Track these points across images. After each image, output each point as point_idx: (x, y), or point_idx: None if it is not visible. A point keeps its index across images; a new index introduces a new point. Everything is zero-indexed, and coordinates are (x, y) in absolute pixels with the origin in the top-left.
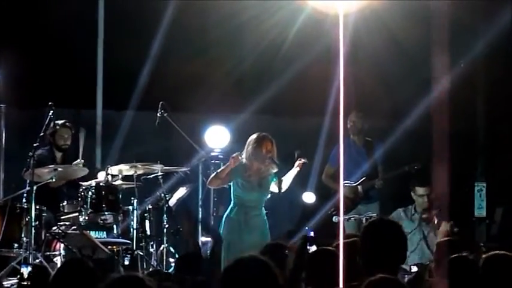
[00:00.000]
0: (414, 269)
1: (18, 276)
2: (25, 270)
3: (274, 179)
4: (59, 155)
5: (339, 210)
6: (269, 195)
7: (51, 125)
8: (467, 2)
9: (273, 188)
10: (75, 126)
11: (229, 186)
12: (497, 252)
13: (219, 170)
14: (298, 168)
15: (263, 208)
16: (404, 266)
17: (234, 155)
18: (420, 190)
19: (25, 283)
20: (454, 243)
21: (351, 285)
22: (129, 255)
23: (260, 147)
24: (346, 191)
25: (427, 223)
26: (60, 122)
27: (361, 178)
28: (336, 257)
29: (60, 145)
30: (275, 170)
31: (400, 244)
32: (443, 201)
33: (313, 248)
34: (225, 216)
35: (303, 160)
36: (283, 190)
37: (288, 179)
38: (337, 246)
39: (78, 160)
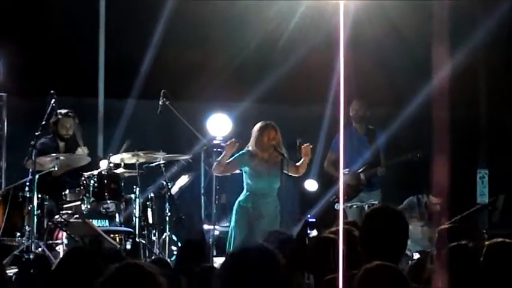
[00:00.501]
0: (416, 255)
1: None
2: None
3: (285, 169)
4: (61, 144)
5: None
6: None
7: (54, 114)
8: None
9: (292, 170)
10: (78, 115)
11: (241, 174)
12: (499, 239)
13: (219, 157)
14: (306, 157)
15: (275, 196)
16: (407, 253)
17: (229, 142)
18: (433, 199)
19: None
20: (456, 230)
21: (351, 273)
22: (130, 240)
23: (262, 136)
24: (348, 178)
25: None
26: (63, 111)
27: (363, 166)
28: (336, 245)
29: (63, 134)
30: (283, 156)
31: (401, 232)
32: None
33: (314, 233)
34: (236, 202)
35: (305, 144)
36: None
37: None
38: (334, 233)
39: (80, 149)
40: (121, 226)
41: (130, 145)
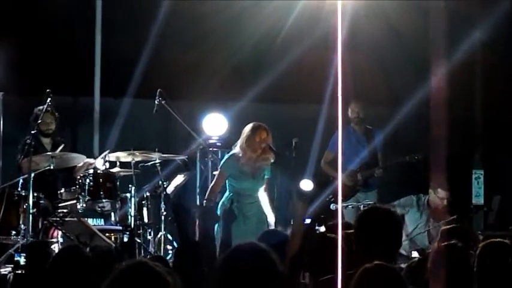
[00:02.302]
0: (414, 254)
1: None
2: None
3: (267, 174)
4: (46, 140)
5: (337, 197)
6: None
7: (34, 112)
8: None
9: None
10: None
11: None
12: (494, 240)
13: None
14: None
15: (258, 196)
16: (405, 253)
17: None
18: (442, 193)
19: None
20: (453, 231)
21: (348, 274)
22: (127, 233)
23: (254, 136)
24: (345, 178)
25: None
26: (41, 107)
27: (360, 166)
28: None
29: (43, 130)
30: (272, 160)
31: (394, 231)
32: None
33: (322, 229)
34: (220, 204)
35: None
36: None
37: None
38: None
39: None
40: (116, 225)
41: (108, 154)
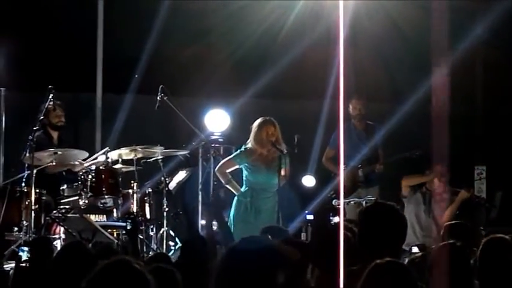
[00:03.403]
0: (415, 249)
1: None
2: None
3: (284, 164)
4: (55, 134)
5: (339, 193)
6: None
7: (44, 107)
8: None
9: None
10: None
11: (240, 169)
12: (495, 236)
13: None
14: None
15: (275, 192)
16: (406, 247)
17: None
18: (437, 183)
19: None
20: (456, 227)
21: (351, 270)
22: (130, 221)
23: (261, 132)
24: (345, 174)
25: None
26: (51, 102)
27: (361, 162)
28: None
29: (56, 122)
30: (285, 151)
31: (398, 226)
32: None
33: (336, 219)
34: (236, 197)
35: None
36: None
37: None
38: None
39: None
40: (118, 221)
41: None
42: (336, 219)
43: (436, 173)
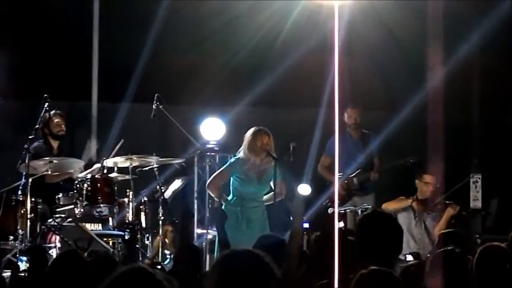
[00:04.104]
0: (409, 258)
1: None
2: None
3: (278, 177)
4: (55, 144)
5: (334, 202)
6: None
7: (44, 116)
8: None
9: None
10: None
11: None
12: (491, 244)
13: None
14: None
15: (262, 200)
16: (401, 256)
17: None
18: (428, 178)
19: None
20: (450, 235)
21: (347, 278)
22: (128, 230)
23: (255, 140)
24: (340, 182)
25: (427, 212)
26: (52, 111)
27: (356, 170)
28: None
29: (57, 132)
30: (274, 161)
31: (395, 236)
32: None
33: (341, 224)
34: (223, 206)
35: None
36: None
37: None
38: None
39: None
40: (114, 230)
41: (123, 145)
42: (341, 224)
43: (418, 176)
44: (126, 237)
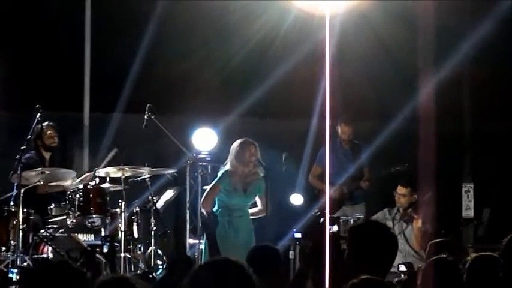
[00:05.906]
0: (402, 267)
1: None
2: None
3: (259, 192)
4: (47, 155)
5: (324, 211)
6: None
7: (36, 127)
8: (453, 4)
9: (258, 203)
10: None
11: None
12: (483, 253)
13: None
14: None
15: (247, 210)
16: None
17: None
18: (402, 190)
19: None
20: (442, 244)
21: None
22: (108, 244)
23: (243, 151)
24: (331, 192)
25: (406, 221)
26: (44, 123)
27: (346, 180)
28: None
29: (50, 143)
30: (262, 174)
31: (388, 246)
32: (427, 203)
33: (335, 228)
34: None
35: None
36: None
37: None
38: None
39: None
40: (105, 241)
41: (117, 153)
42: (334, 228)
43: (397, 195)
44: (105, 250)
